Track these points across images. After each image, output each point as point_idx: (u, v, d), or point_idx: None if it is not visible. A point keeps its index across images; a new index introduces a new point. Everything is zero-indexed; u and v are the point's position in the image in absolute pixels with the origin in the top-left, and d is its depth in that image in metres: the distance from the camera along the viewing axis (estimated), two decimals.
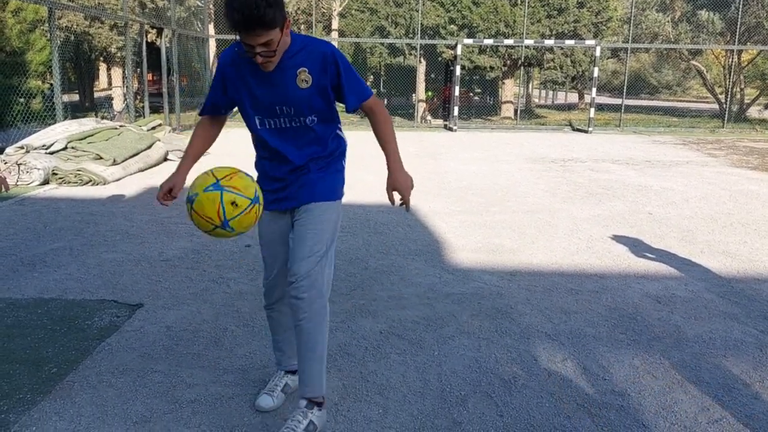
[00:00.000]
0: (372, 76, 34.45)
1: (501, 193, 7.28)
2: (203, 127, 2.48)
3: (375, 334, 3.28)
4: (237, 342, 3.15)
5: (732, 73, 18.78)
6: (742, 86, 21.25)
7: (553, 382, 2.78)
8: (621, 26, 24.64)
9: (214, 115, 2.46)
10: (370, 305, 3.67)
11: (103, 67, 26.27)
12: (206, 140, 2.49)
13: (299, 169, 2.33)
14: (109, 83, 23.10)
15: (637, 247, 5.04)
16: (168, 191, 2.42)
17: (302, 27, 20.86)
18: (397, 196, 2.44)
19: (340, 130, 2.47)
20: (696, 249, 4.99)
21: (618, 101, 19.28)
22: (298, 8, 19.55)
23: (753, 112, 22.17)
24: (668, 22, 20.70)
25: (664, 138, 15.11)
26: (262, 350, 3.05)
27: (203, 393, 2.64)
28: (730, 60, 18.80)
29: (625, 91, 18.05)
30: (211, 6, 18.28)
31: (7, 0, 9.83)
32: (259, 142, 2.38)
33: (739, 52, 19.07)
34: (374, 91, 37.84)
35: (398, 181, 2.39)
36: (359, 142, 12.63)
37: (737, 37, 17.69)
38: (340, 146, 2.47)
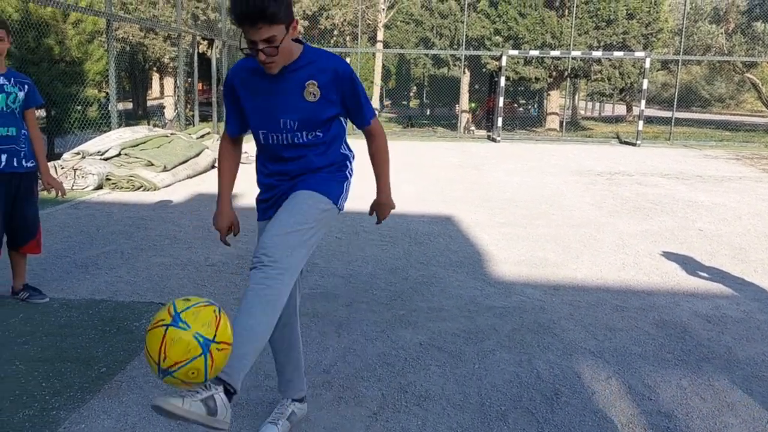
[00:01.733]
0: (415, 87, 34.56)
1: (545, 206, 7.18)
2: (227, 152, 2.39)
3: (415, 345, 3.27)
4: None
5: None
6: None
7: (597, 400, 2.73)
8: (672, 38, 24.09)
9: (234, 137, 2.36)
10: (410, 316, 3.67)
11: (155, 76, 27.14)
12: (234, 165, 2.42)
13: (298, 176, 2.26)
14: (161, 92, 23.82)
15: (686, 264, 4.90)
16: (228, 230, 2.40)
17: (348, 38, 21.13)
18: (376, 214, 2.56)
19: (346, 145, 2.38)
20: (749, 268, 4.82)
21: (668, 114, 18.81)
22: (344, 20, 19.81)
23: None
24: (722, 33, 20.15)
25: (716, 152, 14.66)
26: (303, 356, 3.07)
27: (244, 397, 2.68)
28: None
29: (675, 103, 17.60)
30: None
31: (68, 12, 10.27)
32: (262, 157, 2.31)
33: None
34: (417, 101, 38.03)
35: (384, 205, 2.51)
36: (395, 154, 12.70)
37: None
38: (345, 159, 2.37)
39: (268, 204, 2.32)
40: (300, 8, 19.24)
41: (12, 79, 3.54)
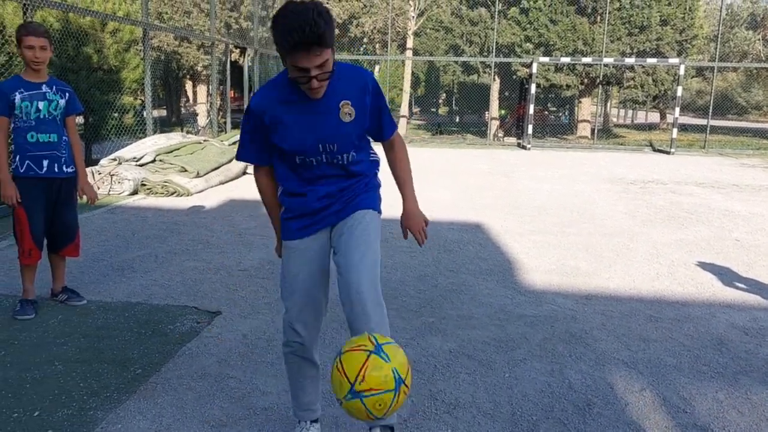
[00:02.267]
0: (445, 94, 34.54)
1: (577, 214, 7.10)
2: (267, 185, 2.29)
3: (444, 352, 3.27)
4: None
5: None
6: None
7: (631, 411, 2.68)
8: (707, 44, 23.65)
9: (267, 165, 2.24)
10: (440, 323, 3.67)
11: (189, 84, 27.65)
12: (275, 191, 2.32)
13: (335, 194, 2.21)
14: (195, 100, 24.24)
15: (722, 274, 4.79)
16: None
17: (377, 46, 21.24)
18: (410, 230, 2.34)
19: (373, 151, 2.34)
20: None
21: (703, 122, 18.45)
22: (374, 28, 19.93)
23: None
24: (758, 40, 19.69)
25: (753, 161, 14.32)
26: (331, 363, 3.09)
27: (276, 401, 2.71)
28: None
29: (710, 111, 17.26)
30: None
31: (106, 21, 10.56)
32: (292, 180, 2.21)
33: None
34: (446, 108, 37.97)
35: (415, 215, 2.31)
36: (424, 161, 12.71)
37: None
38: (376, 165, 2.35)
39: (305, 224, 2.23)
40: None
41: (54, 87, 3.63)
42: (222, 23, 17.79)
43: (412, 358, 3.17)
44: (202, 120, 19.32)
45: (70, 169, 3.71)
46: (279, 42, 1.91)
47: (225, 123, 13.66)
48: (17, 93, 3.50)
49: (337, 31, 20.00)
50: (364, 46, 21.09)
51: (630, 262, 5.07)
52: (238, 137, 10.01)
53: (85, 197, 3.81)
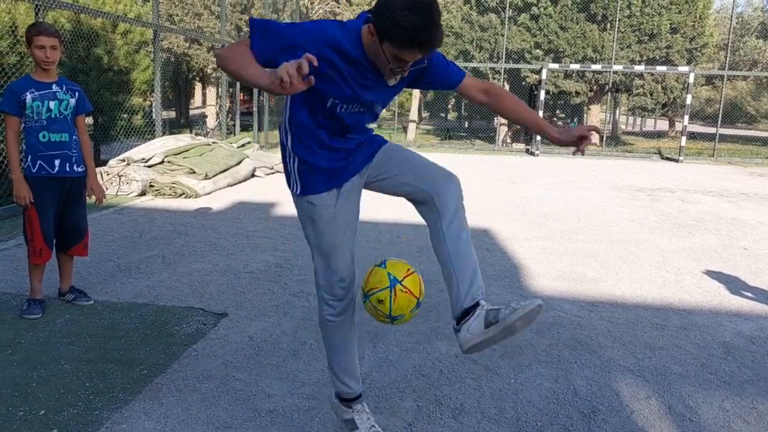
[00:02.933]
0: (453, 99, 34.52)
1: (584, 221, 7.08)
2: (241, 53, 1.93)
3: (450, 357, 3.26)
4: (314, 356, 3.22)
5: None
6: None
7: (636, 419, 2.67)
8: (717, 52, 23.55)
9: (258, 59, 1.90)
10: (446, 328, 3.66)
11: (198, 86, 27.79)
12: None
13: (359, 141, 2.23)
14: (203, 102, 24.34)
15: (730, 283, 4.76)
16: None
17: None
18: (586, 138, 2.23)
19: None
20: None
21: (712, 130, 18.36)
22: None
23: None
24: None
25: (762, 170, 14.24)
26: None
27: (281, 404, 2.71)
28: None
29: (720, 119, 17.18)
30: None
31: (117, 23, 10.63)
32: (320, 117, 2.11)
33: None
34: (455, 114, 37.87)
35: (569, 132, 2.24)
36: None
37: None
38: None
39: (334, 172, 2.18)
40: (341, 20, 19.49)
41: (64, 86, 3.66)
42: (233, 26, 17.88)
43: (418, 362, 3.17)
44: (211, 122, 19.39)
45: (80, 169, 3.74)
46: (394, 34, 1.83)
47: (234, 125, 13.72)
48: (28, 93, 3.52)
49: None
50: None
51: (637, 270, 5.05)
52: (246, 140, 9.99)
53: (93, 197, 3.84)
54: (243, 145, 11.05)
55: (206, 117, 20.68)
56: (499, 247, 5.69)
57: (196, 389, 2.82)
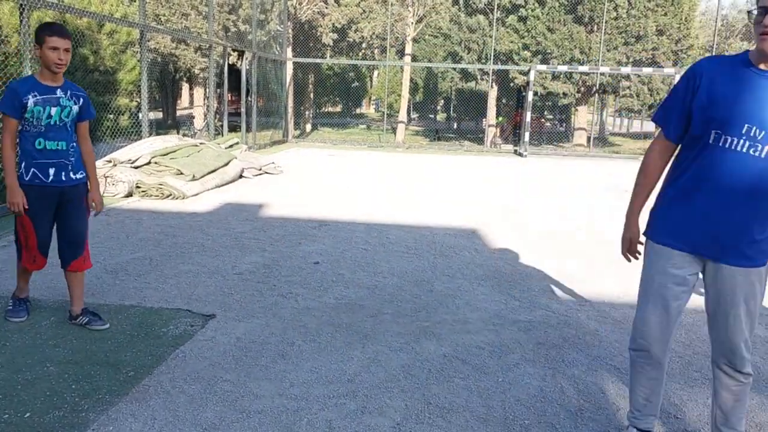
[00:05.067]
0: (442, 100, 34.63)
1: (572, 221, 7.13)
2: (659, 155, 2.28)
3: (439, 357, 3.27)
4: (303, 356, 3.22)
5: None
6: None
7: (622, 416, 2.69)
8: (702, 54, 23.78)
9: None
10: (435, 328, 3.67)
11: (185, 86, 27.66)
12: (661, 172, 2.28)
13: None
14: (191, 102, 24.24)
15: None
16: (632, 246, 2.38)
17: (376, 52, 21.31)
18: None
19: None
20: None
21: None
22: (373, 33, 19.98)
23: None
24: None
25: None
26: (327, 366, 3.10)
27: (269, 405, 2.70)
28: None
29: None
30: (290, 30, 18.95)
31: (103, 23, 10.56)
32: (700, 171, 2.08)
33: None
34: (444, 114, 37.90)
35: None
36: (426, 167, 12.72)
37: None
38: None
39: (679, 236, 2.17)
40: (329, 21, 19.47)
41: (68, 92, 3.44)
42: (220, 26, 17.81)
43: (407, 362, 3.18)
44: (198, 122, 19.32)
45: (78, 176, 3.50)
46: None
47: (222, 126, 13.67)
48: (30, 96, 3.30)
49: (336, 36, 20.05)
50: (363, 51, 21.13)
51: (624, 269, 5.08)
52: (234, 140, 9.94)
53: (93, 206, 3.63)
54: (231, 146, 11.01)
55: (194, 118, 20.60)
56: (487, 248, 5.72)
57: (183, 391, 2.80)
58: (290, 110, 18.47)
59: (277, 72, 17.30)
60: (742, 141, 1.97)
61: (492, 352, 3.34)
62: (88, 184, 3.60)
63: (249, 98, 14.42)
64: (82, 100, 3.53)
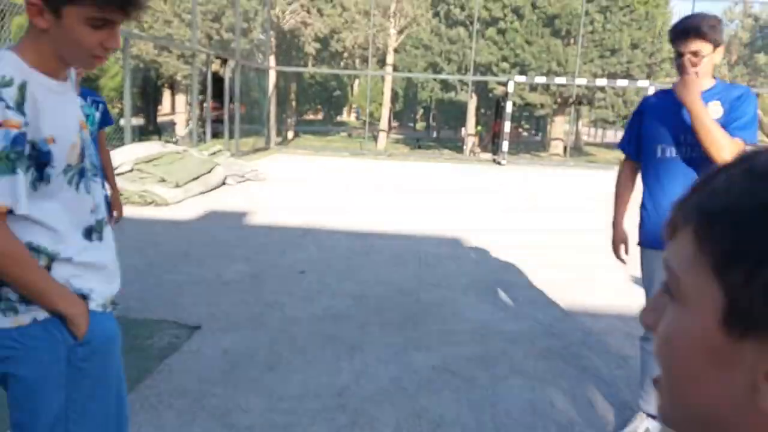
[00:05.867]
0: (422, 110, 34.82)
1: (553, 230, 7.20)
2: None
3: (428, 368, 3.27)
4: (291, 369, 3.19)
5: None
6: None
7: (613, 429, 2.72)
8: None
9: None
10: (423, 339, 3.67)
11: (166, 93, 27.41)
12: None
13: None
14: (172, 109, 24.02)
15: None
16: (624, 247, 2.84)
17: (358, 61, 21.38)
18: None
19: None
20: None
21: None
22: (355, 43, 20.05)
23: None
24: (724, 64, 20.36)
25: None
26: (316, 378, 3.08)
27: (258, 419, 2.68)
28: None
29: None
30: (272, 39, 18.94)
31: None
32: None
33: None
34: (424, 123, 38.05)
35: None
36: (407, 175, 12.77)
37: None
38: None
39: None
40: (312, 30, 19.51)
41: (88, 98, 3.18)
42: (203, 34, 17.72)
43: (396, 374, 3.17)
44: (180, 129, 19.15)
45: (106, 192, 3.25)
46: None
47: (204, 133, 13.57)
48: None
49: (318, 46, 20.10)
50: (345, 60, 21.18)
51: (609, 279, 5.14)
52: (217, 148, 9.85)
53: (115, 213, 3.45)
54: (214, 153, 10.93)
55: (175, 124, 20.41)
56: (471, 256, 5.75)
57: (170, 406, 2.76)
58: (272, 118, 18.42)
59: (260, 80, 17.26)
60: (680, 149, 2.51)
61: (480, 364, 3.36)
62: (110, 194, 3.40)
63: (232, 105, 14.35)
64: (101, 106, 3.34)
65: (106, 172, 3.38)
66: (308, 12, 19.50)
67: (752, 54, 20.21)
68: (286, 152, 17.31)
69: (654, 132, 2.58)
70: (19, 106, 1.27)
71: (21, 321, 1.37)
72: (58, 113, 1.37)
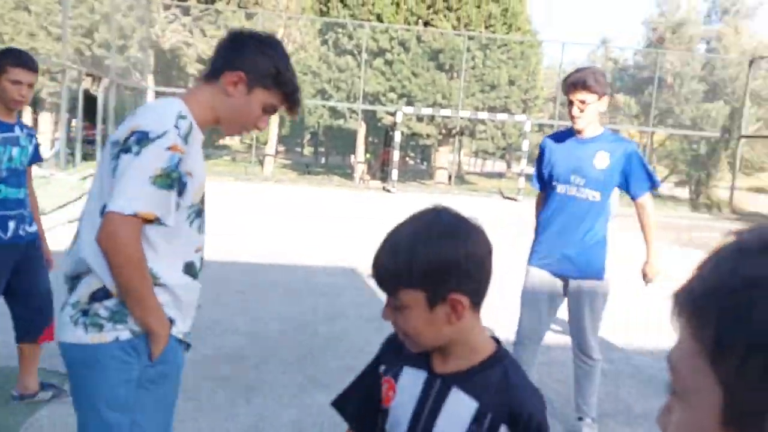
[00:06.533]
0: (310, 135, 34.76)
1: None
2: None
3: (329, 409, 3.10)
4: (181, 418, 2.91)
5: (647, 152, 20.18)
6: (654, 165, 22.84)
7: None
8: (546, 103, 26.17)
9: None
10: (323, 377, 3.53)
11: (27, 111, 25.24)
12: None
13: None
14: (35, 128, 22.08)
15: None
16: None
17: None
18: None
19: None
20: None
21: None
22: None
23: (664, 189, 23.66)
24: None
25: None
26: (209, 427, 2.85)
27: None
28: (645, 140, 20.21)
29: None
30: (151, 59, 18.08)
31: None
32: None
33: (652, 133, 20.59)
34: (311, 149, 37.93)
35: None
36: (296, 202, 12.59)
37: (651, 119, 19.14)
38: None
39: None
40: (195, 52, 18.89)
41: (24, 130, 2.88)
42: (74, 49, 16.55)
43: (296, 417, 3.01)
44: (45, 152, 17.61)
45: (32, 229, 2.94)
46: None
47: (73, 155, 12.58)
48: None
49: (201, 67, 19.46)
50: None
51: (501, 304, 5.26)
52: (89, 171, 9.10)
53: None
54: (85, 178, 10.15)
55: (39, 145, 18.78)
56: (368, 286, 5.68)
57: None
58: None
59: (137, 100, 16.39)
60: (570, 187, 2.81)
61: None
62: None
63: (104, 126, 13.45)
64: (35, 139, 2.97)
65: (35, 212, 3.02)
66: (190, 32, 18.89)
67: (613, 94, 22.22)
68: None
69: (551, 169, 2.90)
70: (185, 138, 1.49)
71: (103, 338, 1.46)
72: (199, 157, 1.58)
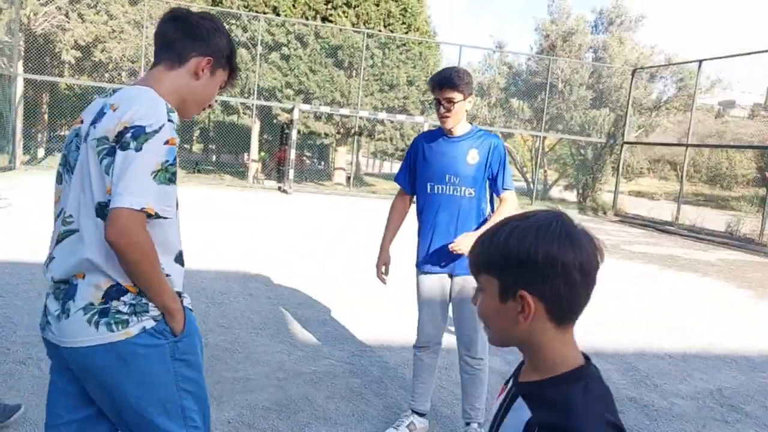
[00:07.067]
0: (199, 131, 33.41)
1: (342, 261, 7.21)
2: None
3: (223, 423, 2.92)
4: None
5: (538, 156, 21.16)
6: (545, 168, 24.02)
7: None
8: None
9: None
10: (214, 389, 3.29)
11: None
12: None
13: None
14: None
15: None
16: (384, 268, 3.10)
17: (124, 74, 19.68)
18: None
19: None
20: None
21: None
22: (123, 55, 18.46)
23: (554, 192, 25.00)
24: (485, 105, 22.93)
25: None
26: None
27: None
28: (537, 144, 21.17)
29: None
30: (21, 43, 16.54)
31: None
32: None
33: (544, 137, 21.61)
34: (201, 145, 36.38)
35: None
36: (186, 201, 11.97)
37: (543, 124, 20.09)
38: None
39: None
40: (71, 37, 17.49)
41: None
42: None
43: None
44: None
45: None
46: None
47: None
48: None
49: (79, 54, 18.07)
50: (109, 72, 19.29)
51: (400, 309, 5.23)
52: None
53: None
54: None
55: None
56: (262, 292, 5.45)
57: None
58: (19, 132, 15.97)
59: (4, 88, 14.95)
60: (446, 187, 2.86)
61: (280, 412, 3.10)
62: None
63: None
64: None
65: None
66: (66, 16, 17.47)
67: (507, 98, 23.00)
68: (36, 173, 15.12)
69: (424, 170, 2.94)
70: (177, 130, 1.54)
71: (130, 332, 1.52)
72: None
